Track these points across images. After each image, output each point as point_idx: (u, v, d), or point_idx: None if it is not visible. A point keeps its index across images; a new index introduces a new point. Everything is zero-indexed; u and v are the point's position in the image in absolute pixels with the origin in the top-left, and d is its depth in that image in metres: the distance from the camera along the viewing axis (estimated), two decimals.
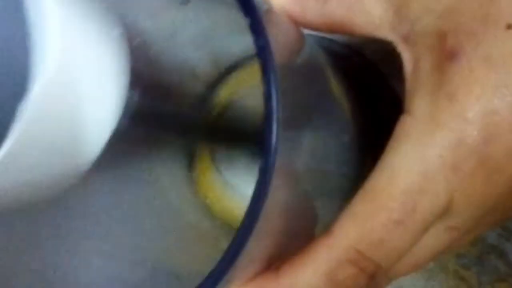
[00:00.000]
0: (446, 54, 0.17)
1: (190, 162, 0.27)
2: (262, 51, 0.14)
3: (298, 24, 0.19)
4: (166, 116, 0.20)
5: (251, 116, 0.25)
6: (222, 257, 0.15)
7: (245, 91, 0.27)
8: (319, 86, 0.20)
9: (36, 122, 0.13)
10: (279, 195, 0.15)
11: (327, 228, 0.17)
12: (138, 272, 0.22)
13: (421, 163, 0.17)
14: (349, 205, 0.17)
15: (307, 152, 0.18)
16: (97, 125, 0.15)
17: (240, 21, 0.25)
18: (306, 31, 0.27)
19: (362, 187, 0.17)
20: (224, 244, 0.23)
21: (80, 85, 0.14)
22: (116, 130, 0.23)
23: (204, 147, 0.27)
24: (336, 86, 0.22)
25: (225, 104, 0.27)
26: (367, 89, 0.24)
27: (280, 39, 0.16)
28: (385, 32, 0.19)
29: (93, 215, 0.23)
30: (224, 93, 0.27)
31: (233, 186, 0.27)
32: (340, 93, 0.22)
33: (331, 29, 0.20)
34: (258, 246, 0.16)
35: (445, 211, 0.17)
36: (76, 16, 0.14)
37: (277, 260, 0.18)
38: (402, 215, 0.17)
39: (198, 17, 0.25)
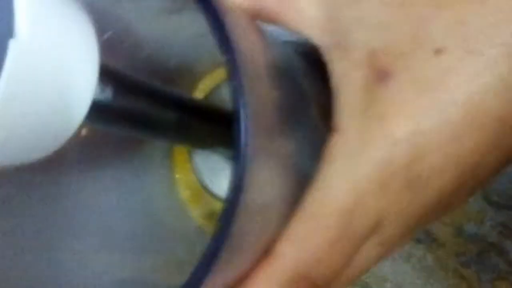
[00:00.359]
0: (376, 74, 0.17)
1: (170, 162, 0.28)
2: (236, 91, 0.14)
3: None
4: (148, 115, 0.20)
5: (226, 113, 0.26)
6: (195, 267, 0.15)
7: (218, 92, 0.28)
8: (295, 92, 0.21)
9: (16, 82, 0.13)
10: (253, 199, 0.16)
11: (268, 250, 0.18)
12: (121, 272, 0.23)
13: (351, 181, 0.17)
14: (287, 226, 0.17)
15: (282, 158, 0.18)
16: (77, 90, 0.15)
17: None
18: (283, 38, 0.27)
19: (300, 207, 0.18)
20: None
21: (54, 59, 0.14)
22: (99, 130, 0.24)
23: (182, 148, 0.27)
24: (310, 91, 0.22)
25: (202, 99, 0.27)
26: None
27: (245, 44, 0.16)
28: (315, 36, 0.18)
29: (82, 214, 0.24)
30: (203, 92, 0.28)
31: (210, 187, 0.27)
32: (316, 99, 0.22)
33: (261, 17, 0.19)
34: (232, 256, 0.17)
35: (376, 228, 0.17)
36: None
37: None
38: (338, 234, 0.17)
39: (191, 23, 0.25)
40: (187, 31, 0.26)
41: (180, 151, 0.28)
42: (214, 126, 0.24)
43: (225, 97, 0.28)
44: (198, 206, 0.28)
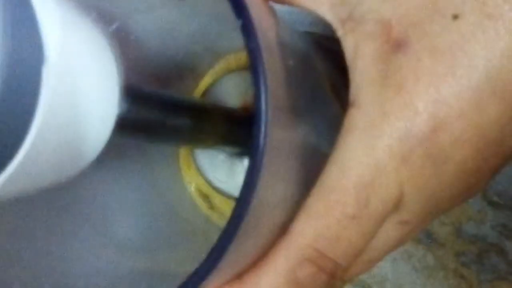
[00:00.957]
0: (391, 44, 0.17)
1: (177, 159, 0.28)
2: (253, 54, 0.14)
3: None
4: (160, 123, 0.20)
5: (225, 110, 0.26)
6: (205, 257, 0.15)
7: (220, 85, 0.28)
8: (307, 71, 0.21)
9: (47, 124, 0.13)
10: (268, 193, 0.16)
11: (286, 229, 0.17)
12: (128, 267, 0.23)
13: (371, 155, 0.17)
14: (304, 203, 0.17)
15: (297, 150, 0.18)
16: (100, 119, 0.15)
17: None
18: (296, 23, 0.27)
19: (316, 183, 0.17)
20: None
21: (81, 82, 0.15)
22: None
23: (188, 146, 0.27)
24: (322, 70, 0.22)
25: (204, 97, 0.27)
26: None
27: (262, 24, 0.16)
28: (325, 11, 0.18)
29: (88, 212, 0.24)
30: (206, 85, 0.28)
31: (214, 182, 0.27)
32: (328, 78, 0.22)
33: None
34: (243, 248, 0.16)
35: (396, 204, 0.17)
36: (70, 17, 0.14)
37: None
38: (356, 209, 0.17)
39: (195, 13, 0.25)
40: (191, 23, 0.26)
41: (185, 149, 0.28)
42: (220, 126, 0.24)
43: (226, 92, 0.28)
44: (204, 200, 0.28)
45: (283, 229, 0.18)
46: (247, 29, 0.14)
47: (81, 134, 0.15)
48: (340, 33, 0.18)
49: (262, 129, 0.14)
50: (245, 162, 0.27)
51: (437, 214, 0.18)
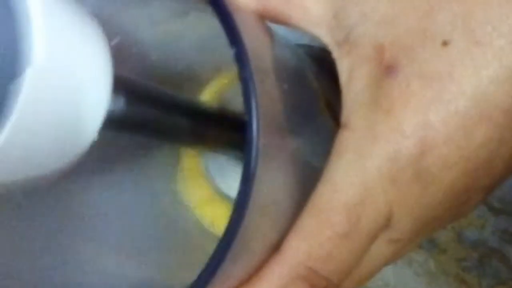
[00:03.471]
0: (383, 68, 0.17)
1: (179, 164, 0.28)
2: (246, 83, 0.15)
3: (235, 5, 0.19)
4: (160, 121, 0.21)
5: (235, 116, 0.26)
6: (199, 273, 0.15)
7: (230, 94, 0.28)
8: (303, 89, 0.21)
9: (31, 105, 0.13)
10: (263, 195, 0.16)
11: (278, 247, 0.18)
12: (122, 273, 0.23)
13: (361, 175, 0.17)
14: (297, 222, 0.18)
15: (290, 153, 0.18)
16: (91, 106, 0.16)
17: None
18: (293, 41, 0.27)
19: (308, 202, 0.18)
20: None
21: (69, 74, 0.15)
22: (108, 135, 0.25)
23: (191, 150, 0.28)
24: (318, 89, 0.22)
25: (211, 103, 0.27)
26: None
27: (254, 45, 0.16)
28: (322, 33, 0.19)
29: (90, 217, 0.24)
30: (209, 96, 0.28)
31: (221, 190, 0.27)
32: (323, 97, 0.22)
33: (268, 17, 0.19)
34: (238, 261, 0.17)
35: (386, 223, 0.17)
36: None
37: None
38: (347, 228, 0.17)
39: (197, 27, 0.25)
40: (193, 35, 0.26)
41: (188, 153, 0.28)
42: (224, 129, 0.24)
43: (230, 101, 0.28)
44: (208, 207, 0.28)
45: (275, 246, 0.18)
46: (240, 58, 0.15)
47: (67, 127, 0.15)
48: (336, 55, 0.18)
49: (253, 154, 0.15)
50: None
51: (428, 232, 0.19)
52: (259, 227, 0.16)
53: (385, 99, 0.17)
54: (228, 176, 0.27)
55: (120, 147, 0.26)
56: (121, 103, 0.18)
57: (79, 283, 0.22)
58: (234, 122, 0.25)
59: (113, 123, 0.17)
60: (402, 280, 0.38)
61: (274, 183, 0.17)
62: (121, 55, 0.25)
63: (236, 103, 0.28)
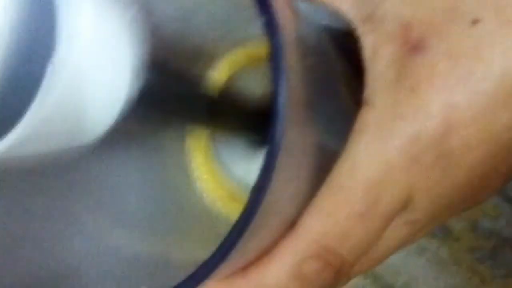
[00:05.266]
0: (409, 46, 0.17)
1: (187, 142, 0.28)
2: (276, 53, 0.14)
3: None
4: (172, 96, 0.20)
5: (248, 97, 0.26)
6: (215, 250, 0.15)
7: (243, 72, 0.28)
8: (323, 67, 0.21)
9: (59, 90, 0.14)
10: (280, 189, 0.16)
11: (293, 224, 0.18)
12: (132, 250, 0.23)
13: (382, 154, 0.17)
14: (313, 199, 0.17)
15: (312, 137, 0.18)
16: (113, 91, 0.16)
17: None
18: (314, 18, 0.27)
19: (325, 180, 0.17)
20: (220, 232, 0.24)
21: (98, 59, 0.15)
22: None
23: (202, 130, 0.27)
24: (338, 68, 0.22)
25: (224, 85, 0.27)
26: None
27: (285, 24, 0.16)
28: (346, 9, 0.18)
29: (96, 190, 0.24)
30: (222, 74, 0.28)
31: (229, 170, 0.27)
32: (343, 76, 0.22)
33: None
34: (255, 239, 0.16)
35: (405, 204, 0.17)
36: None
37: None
38: (365, 207, 0.17)
39: (215, 1, 0.25)
40: (210, 10, 0.26)
41: (199, 133, 0.28)
42: (240, 112, 0.24)
43: (240, 79, 0.28)
44: (216, 188, 0.28)
45: (290, 224, 0.18)
46: (271, 27, 0.15)
47: (99, 101, 0.15)
48: (360, 31, 0.18)
49: (279, 127, 0.14)
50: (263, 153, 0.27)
51: (446, 216, 0.19)
52: (278, 202, 0.16)
53: (411, 78, 0.17)
54: (236, 157, 0.27)
55: (128, 123, 0.26)
56: (141, 81, 0.17)
57: (85, 258, 0.22)
58: (248, 104, 0.25)
59: (137, 99, 0.17)
60: (414, 268, 0.38)
61: (296, 158, 0.16)
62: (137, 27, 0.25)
63: (246, 81, 0.27)
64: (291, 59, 0.16)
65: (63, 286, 0.20)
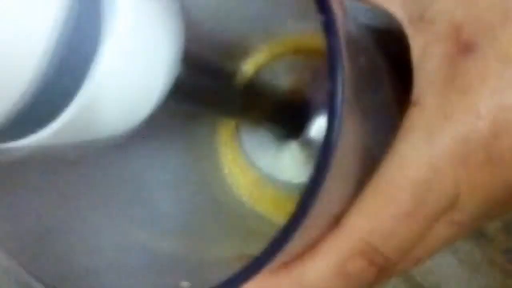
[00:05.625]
0: (461, 47, 0.17)
1: (216, 138, 0.28)
2: (334, 52, 0.14)
3: None
4: (202, 90, 0.20)
5: (274, 91, 0.26)
6: (266, 246, 0.15)
7: (270, 67, 0.27)
8: (370, 66, 0.21)
9: (106, 76, 0.14)
10: (331, 188, 0.16)
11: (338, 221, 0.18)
12: (167, 247, 0.23)
13: (430, 154, 0.17)
14: (359, 197, 0.17)
15: (360, 134, 0.18)
16: (150, 83, 0.16)
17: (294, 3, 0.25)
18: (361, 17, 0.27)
19: (371, 179, 0.17)
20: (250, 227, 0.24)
21: (139, 52, 0.15)
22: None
23: (229, 123, 0.28)
24: (383, 68, 0.22)
25: (250, 78, 0.27)
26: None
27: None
28: (395, 8, 0.18)
29: (126, 188, 0.24)
30: (250, 67, 0.28)
31: (256, 163, 0.27)
32: (387, 77, 0.22)
33: None
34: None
35: (451, 204, 0.17)
36: None
37: None
38: (412, 207, 0.17)
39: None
40: (246, 8, 0.26)
41: (226, 127, 0.28)
42: (268, 104, 0.24)
43: (275, 74, 0.28)
44: (244, 182, 0.28)
45: (334, 221, 0.18)
46: (330, 26, 0.15)
47: (139, 89, 0.15)
48: (409, 31, 0.18)
49: (336, 126, 0.15)
50: (292, 146, 0.27)
51: (489, 218, 0.18)
52: (328, 202, 0.16)
53: (461, 79, 0.17)
54: (265, 151, 0.27)
55: (157, 119, 0.26)
56: (180, 71, 0.18)
57: (107, 253, 0.22)
58: (280, 98, 0.25)
59: (171, 92, 0.17)
60: (446, 268, 0.38)
61: (346, 157, 0.16)
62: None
63: (286, 76, 0.27)
64: (345, 58, 0.16)
65: (93, 280, 0.20)
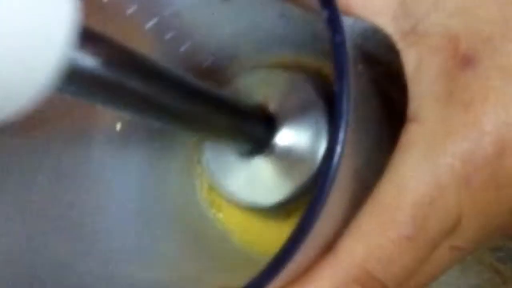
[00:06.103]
0: (459, 59, 0.16)
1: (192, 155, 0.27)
2: (339, 48, 0.14)
3: None
4: (148, 94, 0.18)
5: (242, 105, 0.24)
6: (261, 271, 0.14)
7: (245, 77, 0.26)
8: (368, 82, 0.20)
9: None
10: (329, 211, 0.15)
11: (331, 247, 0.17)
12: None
13: (432, 173, 0.16)
14: (355, 220, 0.16)
15: (355, 153, 0.17)
16: (45, 54, 0.14)
17: (280, 21, 0.24)
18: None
19: (368, 201, 0.17)
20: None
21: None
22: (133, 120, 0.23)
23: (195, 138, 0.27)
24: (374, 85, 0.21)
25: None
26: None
27: None
28: (385, 22, 0.17)
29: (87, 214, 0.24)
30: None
31: (219, 183, 0.26)
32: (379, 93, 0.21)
33: None
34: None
35: (453, 228, 0.16)
36: None
37: None
38: (412, 230, 0.16)
39: (237, 15, 0.24)
40: (230, 26, 0.25)
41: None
42: (228, 117, 0.23)
43: (247, 88, 0.26)
44: (219, 204, 0.27)
45: (326, 247, 0.17)
46: (334, 21, 0.14)
47: (20, 66, 0.13)
48: (401, 45, 0.17)
49: (342, 129, 0.14)
50: (254, 163, 0.25)
51: (488, 239, 0.18)
52: (323, 227, 0.15)
53: (462, 93, 0.16)
54: (226, 170, 0.26)
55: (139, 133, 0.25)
56: (97, 63, 0.16)
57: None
58: (246, 111, 0.24)
59: (86, 82, 0.16)
60: None
61: (343, 176, 0.15)
62: (156, 37, 0.24)
63: (255, 90, 0.26)
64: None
65: None
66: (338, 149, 0.14)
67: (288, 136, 0.24)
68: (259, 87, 0.26)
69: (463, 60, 0.16)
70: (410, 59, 0.17)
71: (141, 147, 0.26)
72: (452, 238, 0.17)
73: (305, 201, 0.21)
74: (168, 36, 0.25)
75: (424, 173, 0.16)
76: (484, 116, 0.16)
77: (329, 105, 0.24)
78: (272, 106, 0.25)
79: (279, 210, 0.25)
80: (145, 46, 0.25)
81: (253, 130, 0.24)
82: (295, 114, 0.24)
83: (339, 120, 0.14)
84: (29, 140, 0.22)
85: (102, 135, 0.25)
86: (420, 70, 0.17)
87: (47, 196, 0.22)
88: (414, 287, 0.18)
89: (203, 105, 0.20)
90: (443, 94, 0.16)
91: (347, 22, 0.19)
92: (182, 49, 0.25)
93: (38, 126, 0.22)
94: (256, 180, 0.25)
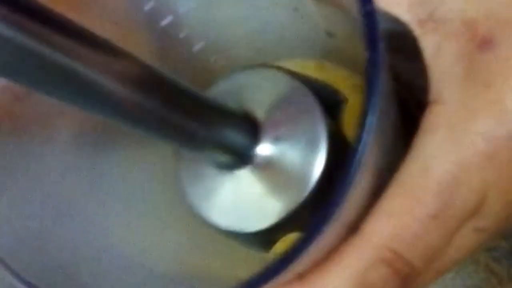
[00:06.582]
0: (478, 42, 0.16)
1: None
2: (370, 16, 0.14)
3: None
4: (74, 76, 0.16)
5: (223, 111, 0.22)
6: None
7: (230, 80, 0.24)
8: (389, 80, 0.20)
9: None
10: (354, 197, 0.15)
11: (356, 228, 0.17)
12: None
13: (456, 151, 0.16)
14: (380, 201, 0.17)
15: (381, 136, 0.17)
16: None
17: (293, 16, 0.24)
18: None
19: (392, 182, 0.17)
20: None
21: None
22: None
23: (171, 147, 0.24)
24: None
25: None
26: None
27: None
28: (401, 11, 0.17)
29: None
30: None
31: (190, 197, 0.23)
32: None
33: None
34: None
35: (477, 208, 0.16)
36: None
37: None
38: (438, 209, 0.16)
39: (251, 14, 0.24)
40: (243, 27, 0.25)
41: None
42: (205, 123, 0.20)
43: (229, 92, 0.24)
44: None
45: (351, 228, 0.17)
46: (371, 17, 0.14)
47: None
48: (418, 32, 0.17)
49: (372, 119, 0.14)
50: (233, 176, 0.22)
51: (510, 221, 0.18)
52: (348, 213, 0.15)
53: (483, 73, 0.16)
54: (200, 183, 0.23)
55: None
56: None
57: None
58: (227, 117, 0.21)
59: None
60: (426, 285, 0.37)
61: (370, 159, 0.15)
62: (167, 37, 0.24)
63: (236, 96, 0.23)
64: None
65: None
66: (374, 120, 0.14)
67: (275, 148, 0.21)
68: (251, 89, 0.23)
69: (482, 43, 0.16)
70: (428, 45, 0.17)
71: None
72: (476, 218, 0.17)
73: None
74: (181, 35, 0.24)
75: (448, 152, 0.16)
76: (505, 94, 0.16)
77: (328, 114, 0.22)
78: (260, 112, 0.22)
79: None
80: (157, 44, 0.24)
81: (232, 139, 0.21)
82: (287, 121, 0.21)
83: (374, 89, 0.13)
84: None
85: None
86: (439, 54, 0.17)
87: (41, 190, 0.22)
88: (438, 271, 0.18)
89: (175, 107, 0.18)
90: (464, 75, 0.16)
91: None
92: (196, 48, 0.25)
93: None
94: (239, 201, 0.22)
